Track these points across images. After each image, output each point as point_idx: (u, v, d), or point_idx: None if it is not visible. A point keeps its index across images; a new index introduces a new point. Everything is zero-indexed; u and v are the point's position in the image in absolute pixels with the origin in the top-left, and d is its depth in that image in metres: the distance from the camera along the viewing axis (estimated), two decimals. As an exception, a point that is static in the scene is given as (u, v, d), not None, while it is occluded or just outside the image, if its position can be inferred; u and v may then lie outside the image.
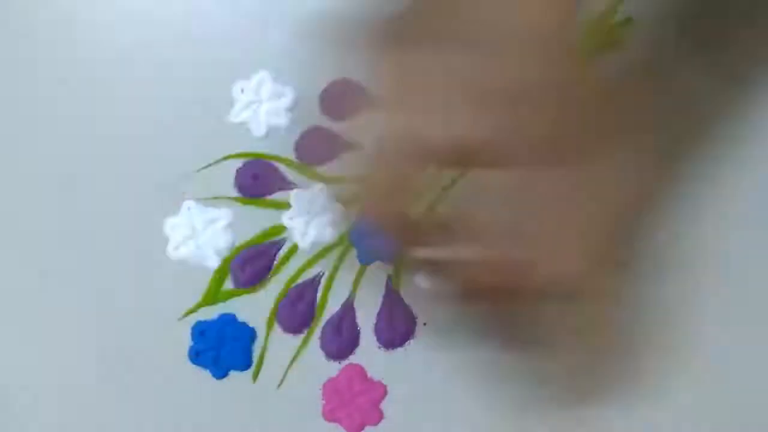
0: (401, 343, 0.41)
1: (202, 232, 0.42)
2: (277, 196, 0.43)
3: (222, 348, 0.41)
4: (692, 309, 0.40)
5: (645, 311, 0.40)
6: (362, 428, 0.40)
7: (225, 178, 0.43)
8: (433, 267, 0.34)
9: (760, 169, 0.41)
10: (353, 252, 0.42)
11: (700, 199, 0.41)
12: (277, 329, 0.42)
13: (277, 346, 0.41)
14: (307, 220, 0.42)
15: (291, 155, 0.43)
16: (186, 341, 0.42)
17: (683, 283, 0.40)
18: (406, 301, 0.42)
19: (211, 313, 0.42)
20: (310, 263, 0.42)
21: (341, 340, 0.41)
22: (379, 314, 0.41)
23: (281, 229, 0.43)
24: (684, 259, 0.41)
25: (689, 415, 0.39)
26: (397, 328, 0.41)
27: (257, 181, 0.43)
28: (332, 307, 0.42)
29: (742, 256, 0.41)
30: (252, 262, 0.42)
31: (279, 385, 0.41)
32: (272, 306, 0.42)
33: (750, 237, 0.41)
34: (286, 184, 0.43)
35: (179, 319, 0.42)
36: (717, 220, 0.41)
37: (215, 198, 0.43)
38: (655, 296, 0.40)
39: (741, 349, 0.39)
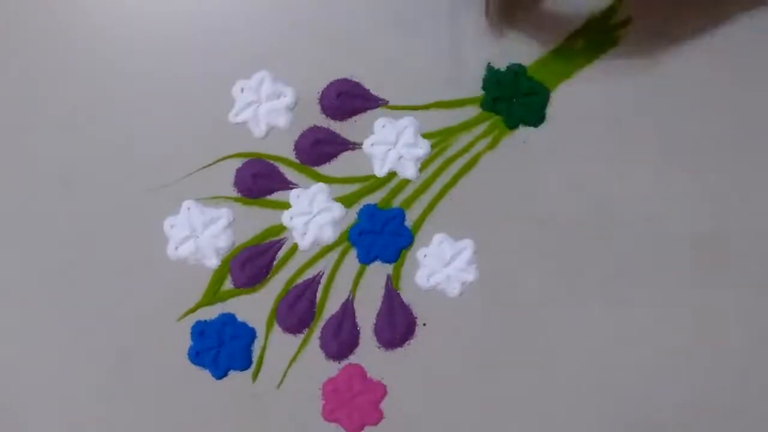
0: (401, 343, 0.41)
1: (202, 232, 0.43)
2: (277, 196, 0.43)
3: (222, 348, 0.41)
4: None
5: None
6: (362, 428, 0.41)
7: (225, 178, 0.43)
8: None
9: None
10: (353, 252, 0.42)
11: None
12: (276, 329, 0.42)
13: (277, 346, 0.41)
14: (307, 220, 0.43)
15: (291, 155, 0.43)
16: (186, 341, 0.42)
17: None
18: (406, 301, 0.42)
19: (211, 313, 0.42)
20: (310, 263, 0.42)
21: (341, 340, 0.41)
22: (379, 314, 0.42)
23: (281, 229, 0.43)
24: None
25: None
26: (397, 328, 0.41)
27: (257, 181, 0.43)
28: (332, 307, 0.42)
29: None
30: (252, 262, 0.42)
31: (279, 385, 0.41)
32: (272, 306, 0.42)
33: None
34: (286, 184, 0.43)
35: (179, 319, 0.42)
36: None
37: (215, 198, 0.43)
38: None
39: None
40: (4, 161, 0.44)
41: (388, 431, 0.40)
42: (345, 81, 0.44)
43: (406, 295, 0.42)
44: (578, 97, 0.43)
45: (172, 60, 0.44)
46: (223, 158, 0.43)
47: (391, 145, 0.43)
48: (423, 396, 0.41)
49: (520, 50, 0.43)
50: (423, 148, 0.43)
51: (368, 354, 0.41)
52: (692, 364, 0.40)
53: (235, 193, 0.43)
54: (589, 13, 0.43)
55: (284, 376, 0.41)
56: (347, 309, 0.42)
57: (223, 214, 0.43)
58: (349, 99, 0.44)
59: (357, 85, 0.44)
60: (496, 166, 0.43)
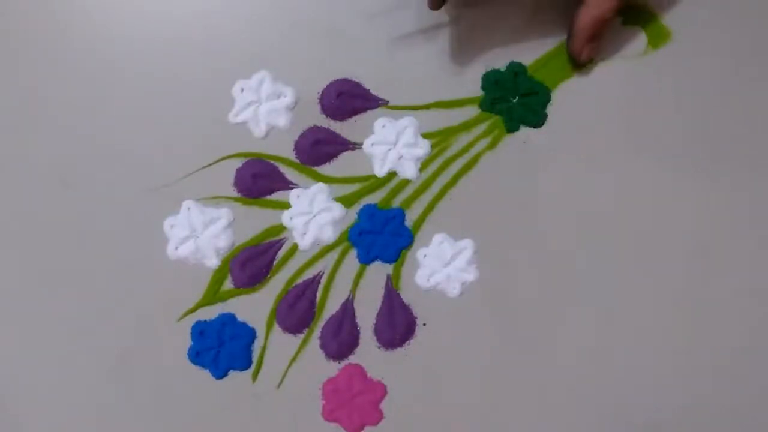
0: (401, 343, 0.41)
1: (202, 232, 0.43)
2: (277, 196, 0.43)
3: (222, 348, 0.41)
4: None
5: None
6: (362, 428, 0.41)
7: (225, 178, 0.43)
8: None
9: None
10: (353, 252, 0.42)
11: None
12: (277, 329, 0.42)
13: (277, 346, 0.41)
14: (307, 220, 0.43)
15: (291, 155, 0.43)
16: (186, 341, 0.42)
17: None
18: (406, 301, 0.42)
19: (211, 313, 0.42)
20: (310, 263, 0.42)
21: (341, 340, 0.41)
22: (379, 314, 0.42)
23: (281, 229, 0.43)
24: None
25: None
26: (397, 328, 0.41)
27: (257, 181, 0.43)
28: (332, 307, 0.42)
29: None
30: (252, 262, 0.42)
31: (279, 385, 0.41)
32: (272, 306, 0.42)
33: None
34: (286, 184, 0.43)
35: (179, 319, 0.42)
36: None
37: (215, 198, 0.43)
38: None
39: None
40: (4, 161, 0.44)
41: (388, 431, 0.40)
42: (345, 81, 0.44)
43: (406, 295, 0.42)
44: (578, 97, 0.43)
45: (172, 60, 0.44)
46: (223, 158, 0.43)
47: (391, 145, 0.43)
48: (423, 396, 0.41)
49: (520, 50, 0.43)
50: (423, 148, 0.43)
51: (368, 354, 0.41)
52: (692, 364, 0.40)
53: (235, 193, 0.43)
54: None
55: (284, 376, 0.41)
56: (347, 309, 0.42)
57: (223, 214, 0.43)
58: (349, 99, 0.44)
59: (357, 85, 0.44)
60: (496, 166, 0.43)
